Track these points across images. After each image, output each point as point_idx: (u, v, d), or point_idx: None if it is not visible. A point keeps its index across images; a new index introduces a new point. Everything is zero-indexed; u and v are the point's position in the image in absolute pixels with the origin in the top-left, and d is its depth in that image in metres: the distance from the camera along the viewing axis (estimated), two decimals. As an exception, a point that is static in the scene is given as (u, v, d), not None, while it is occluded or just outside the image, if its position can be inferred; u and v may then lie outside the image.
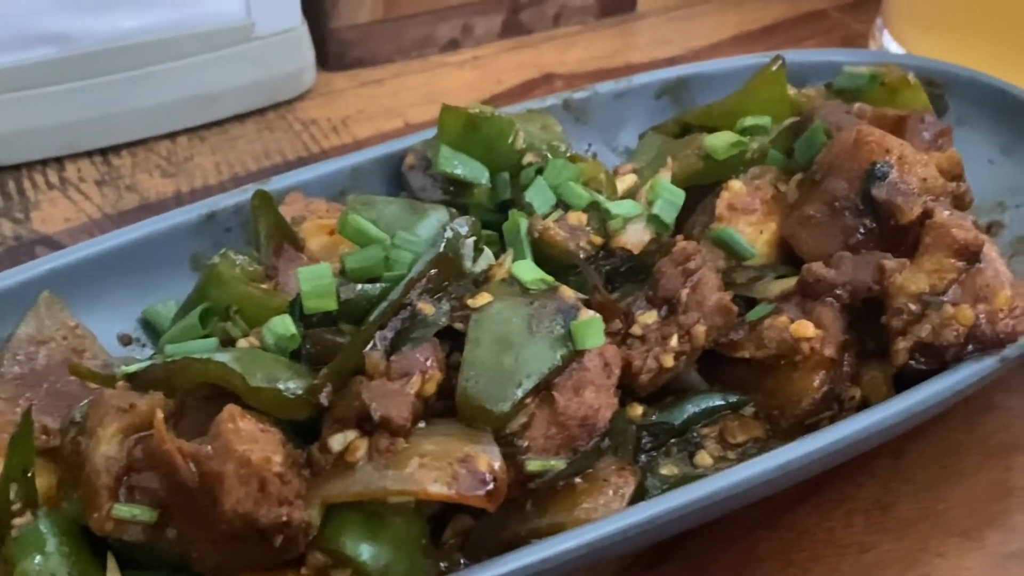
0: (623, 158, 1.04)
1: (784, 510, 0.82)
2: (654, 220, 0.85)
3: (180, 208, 0.92)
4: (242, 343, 0.75)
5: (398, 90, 1.30)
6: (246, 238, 0.90)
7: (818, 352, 0.78)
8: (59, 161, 1.17)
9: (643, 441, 0.78)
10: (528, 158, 0.90)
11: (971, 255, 0.78)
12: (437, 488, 0.66)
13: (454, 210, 0.86)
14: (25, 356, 0.82)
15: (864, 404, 0.79)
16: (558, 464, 0.71)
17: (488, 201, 0.90)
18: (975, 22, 1.20)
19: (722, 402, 0.80)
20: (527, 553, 0.67)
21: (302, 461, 0.68)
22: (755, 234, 0.87)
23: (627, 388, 0.77)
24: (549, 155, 0.90)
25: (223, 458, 0.64)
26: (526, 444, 0.70)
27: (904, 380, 0.78)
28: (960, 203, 0.88)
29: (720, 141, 0.90)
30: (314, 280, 0.74)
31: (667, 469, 0.77)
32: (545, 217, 0.83)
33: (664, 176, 0.88)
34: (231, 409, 0.66)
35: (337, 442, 0.67)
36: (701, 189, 0.90)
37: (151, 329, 0.89)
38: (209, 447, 0.65)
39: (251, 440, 0.65)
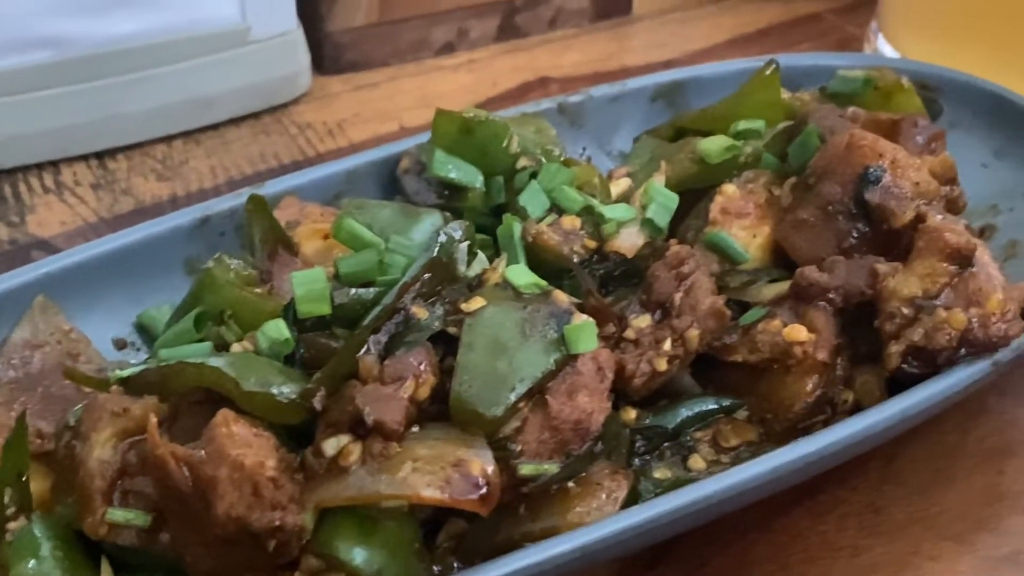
0: (618, 162, 1.04)
1: (777, 513, 0.82)
2: (648, 224, 0.85)
3: (175, 212, 0.93)
4: (236, 347, 0.75)
5: (393, 93, 1.30)
6: (241, 242, 0.91)
7: (811, 356, 0.78)
8: (55, 165, 1.17)
9: (636, 445, 0.78)
10: (522, 162, 0.90)
11: (963, 259, 0.78)
12: (430, 492, 0.66)
13: (448, 214, 0.86)
14: (20, 360, 0.82)
15: (857, 408, 0.79)
16: (551, 468, 0.71)
17: (482, 205, 0.90)
18: (970, 26, 1.20)
19: (715, 406, 0.80)
20: (520, 557, 0.67)
21: (296, 465, 0.68)
22: (748, 238, 0.87)
23: (621, 392, 0.77)
24: (543, 159, 0.90)
25: (216, 462, 0.64)
26: (519, 448, 0.70)
27: (897, 384, 0.79)
28: (953, 207, 0.88)
29: (714, 145, 0.90)
30: (308, 284, 0.74)
31: (660, 473, 0.77)
32: (539, 221, 0.83)
33: (658, 180, 0.89)
34: (224, 413, 0.66)
35: (331, 446, 0.67)
36: (695, 193, 0.90)
37: (146, 333, 0.89)
38: (202, 451, 0.65)
39: (244, 444, 0.65)
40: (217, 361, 0.69)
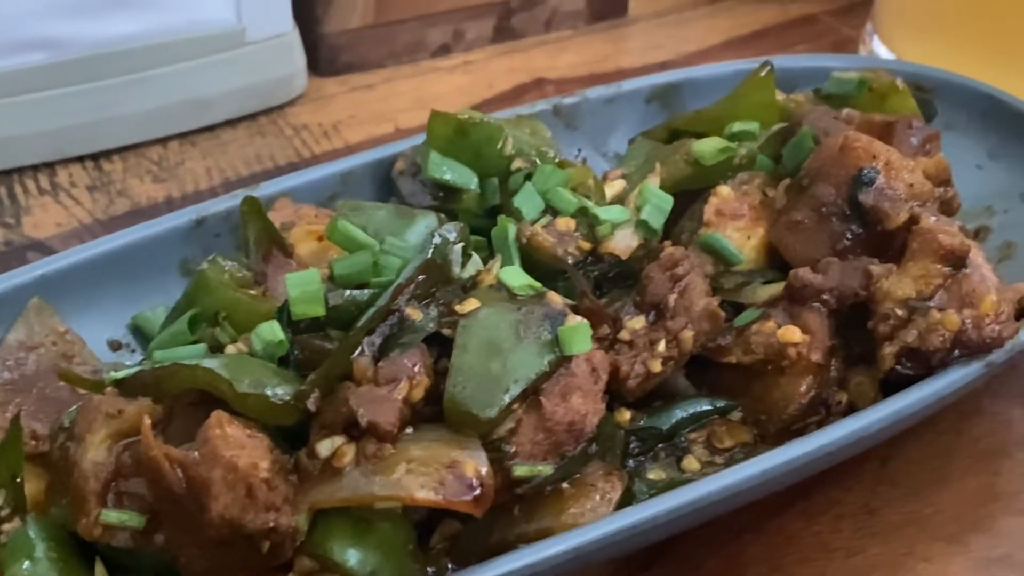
0: (613, 163, 1.04)
1: (772, 515, 0.82)
2: (642, 226, 0.85)
3: (170, 214, 0.93)
4: (230, 349, 0.75)
5: (389, 95, 1.30)
6: (236, 244, 0.91)
7: (805, 357, 0.79)
8: (50, 166, 1.18)
9: (631, 446, 0.78)
10: (517, 164, 0.90)
11: (957, 260, 0.78)
12: (424, 494, 0.66)
13: (443, 216, 0.86)
14: (15, 362, 0.82)
15: (851, 409, 0.80)
16: (545, 469, 0.71)
17: (477, 207, 0.90)
18: (965, 28, 1.20)
19: (710, 407, 0.80)
20: (514, 558, 0.67)
21: (290, 467, 0.68)
22: (743, 239, 0.87)
23: (615, 393, 0.77)
24: (538, 161, 0.90)
25: (210, 464, 0.64)
26: (513, 449, 0.70)
27: (891, 385, 0.79)
28: (947, 208, 0.88)
29: (708, 147, 0.90)
30: (302, 286, 0.74)
31: (655, 474, 0.77)
32: (533, 223, 0.83)
33: (652, 182, 0.89)
34: (218, 415, 0.66)
35: (325, 448, 0.67)
36: (689, 194, 0.90)
37: (141, 335, 0.89)
38: (196, 453, 0.65)
39: (238, 446, 0.65)
40: (211, 363, 0.69)
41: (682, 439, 0.79)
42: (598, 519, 0.70)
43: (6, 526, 0.71)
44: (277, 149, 1.21)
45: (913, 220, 0.81)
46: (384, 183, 0.97)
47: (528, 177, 0.88)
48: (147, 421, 0.66)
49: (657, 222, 0.86)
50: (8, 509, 0.72)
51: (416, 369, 0.70)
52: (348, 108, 1.28)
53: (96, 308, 0.88)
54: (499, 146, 0.90)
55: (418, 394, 0.69)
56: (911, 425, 0.80)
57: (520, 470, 0.70)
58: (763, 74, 0.97)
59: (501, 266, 0.78)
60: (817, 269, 0.81)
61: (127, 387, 0.71)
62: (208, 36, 1.19)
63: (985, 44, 1.18)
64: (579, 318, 0.73)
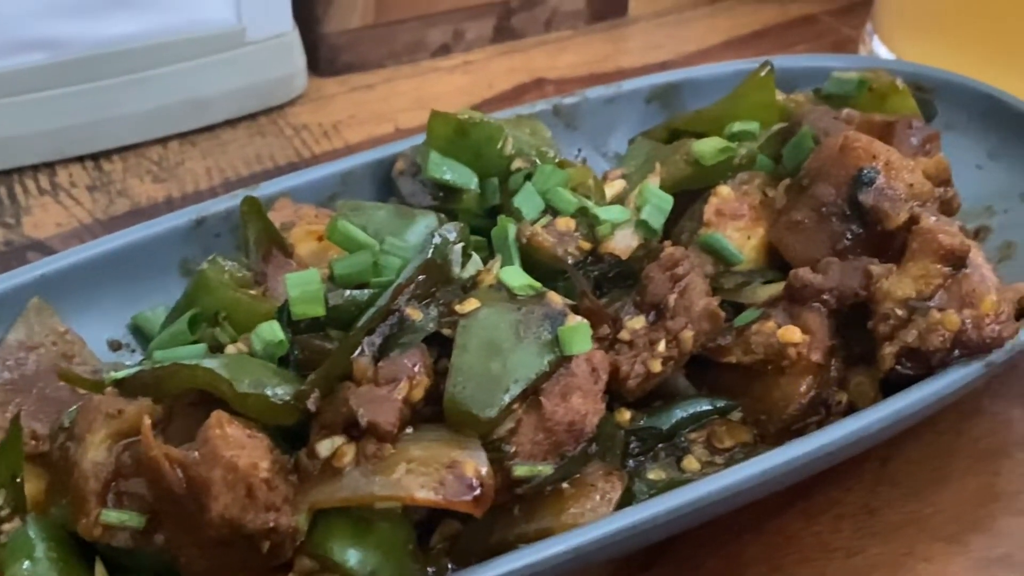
0: (613, 163, 1.04)
1: (772, 515, 0.82)
2: (642, 226, 0.85)
3: (170, 214, 0.93)
4: (230, 349, 0.75)
5: (389, 95, 1.30)
6: (236, 243, 0.91)
7: (805, 357, 0.79)
8: (50, 166, 1.18)
9: (631, 446, 0.78)
10: (517, 164, 0.90)
11: (957, 260, 0.78)
12: (424, 494, 0.66)
13: (443, 216, 0.86)
14: (15, 362, 0.82)
15: (851, 409, 0.80)
16: (545, 469, 0.71)
17: (477, 207, 0.90)
18: (965, 27, 1.20)
19: (710, 407, 0.80)
20: (514, 558, 0.67)
21: (290, 467, 0.68)
22: (743, 239, 0.87)
23: (615, 393, 0.77)
24: (538, 161, 0.90)
25: (210, 464, 0.64)
26: (513, 449, 0.70)
27: (891, 385, 0.79)
28: (947, 208, 0.88)
29: (708, 147, 0.90)
30: (302, 286, 0.74)
31: (655, 474, 0.77)
32: (533, 223, 0.83)
33: (652, 182, 0.89)
34: (218, 415, 0.66)
35: (325, 448, 0.67)
36: (689, 195, 0.90)
37: (141, 335, 0.89)
38: (196, 453, 0.65)
39: (238, 446, 0.65)
40: (211, 363, 0.69)
41: (682, 439, 0.79)
42: (598, 519, 0.70)
43: (6, 526, 0.71)
44: (277, 149, 1.21)
45: (913, 220, 0.81)
46: (384, 183, 0.97)
47: (528, 177, 0.88)
48: (147, 421, 0.66)
49: (657, 222, 0.86)
50: (8, 509, 0.72)
51: (416, 369, 0.70)
52: (348, 108, 1.28)
53: (96, 308, 0.88)
54: (499, 146, 0.90)
55: (418, 394, 0.70)
56: (911, 425, 0.80)
57: (520, 470, 0.70)
58: (763, 74, 0.97)
59: (501, 266, 0.78)
60: (817, 269, 0.81)
61: (127, 387, 0.71)
62: (208, 36, 1.19)
63: (985, 44, 1.18)
64: (579, 318, 0.73)
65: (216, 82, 1.21)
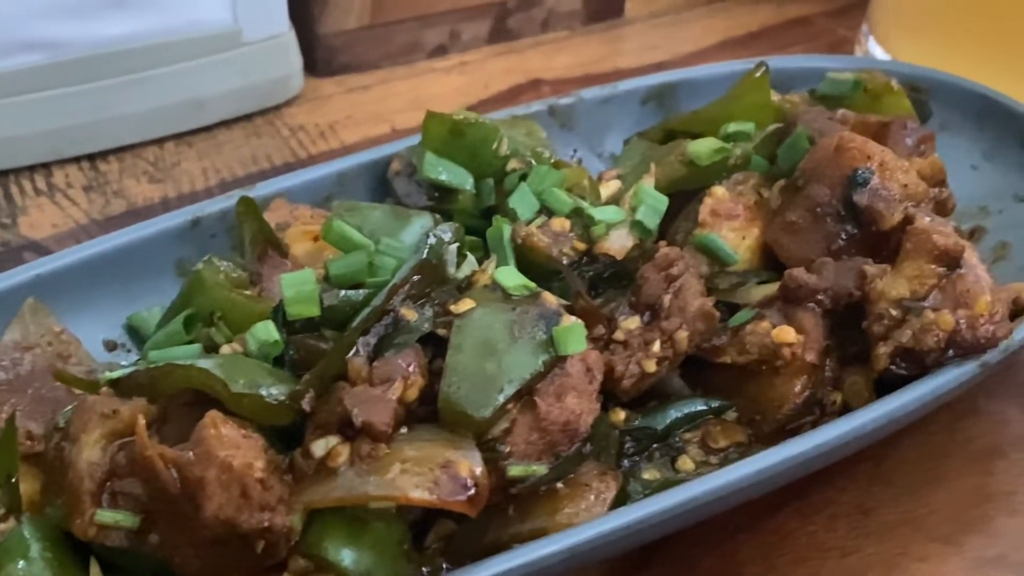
0: (608, 164, 1.05)
1: (766, 514, 0.82)
2: (637, 226, 0.85)
3: (166, 214, 0.93)
4: (226, 349, 0.75)
5: (385, 96, 1.30)
6: (231, 244, 0.91)
7: (799, 357, 0.79)
8: (47, 167, 1.18)
9: (626, 446, 0.78)
10: (512, 164, 0.90)
11: (951, 261, 0.79)
12: (418, 493, 0.66)
13: (439, 216, 0.86)
14: (10, 362, 0.82)
15: (845, 409, 0.80)
16: (540, 469, 0.71)
17: (472, 207, 0.90)
18: (960, 28, 1.20)
19: (704, 407, 0.80)
20: (509, 558, 0.67)
21: (284, 467, 0.68)
22: (738, 240, 0.87)
23: (610, 393, 0.77)
24: (533, 161, 0.90)
25: (205, 464, 0.64)
26: (508, 449, 0.70)
27: (885, 385, 0.79)
28: (942, 209, 0.88)
29: (703, 147, 0.90)
30: (297, 286, 0.74)
31: (649, 474, 0.77)
32: (528, 223, 0.83)
33: (647, 182, 0.89)
34: (213, 415, 0.66)
35: (319, 447, 0.67)
36: (684, 195, 0.90)
37: (136, 335, 0.89)
38: (191, 453, 0.65)
39: (233, 446, 0.65)
40: (206, 363, 0.69)
41: (677, 439, 0.79)
42: (592, 519, 0.70)
43: (1, 526, 0.71)
44: (273, 149, 1.21)
45: (907, 220, 0.81)
46: (380, 183, 0.97)
47: (523, 177, 0.88)
48: (141, 421, 0.66)
49: (652, 222, 0.86)
50: (3, 509, 0.72)
51: (411, 369, 0.70)
52: (344, 109, 1.28)
53: (92, 308, 0.88)
54: (494, 147, 0.90)
55: (413, 394, 0.70)
56: (905, 425, 0.80)
57: (515, 470, 0.70)
58: (758, 75, 0.97)
59: (496, 266, 0.78)
60: (812, 269, 0.81)
61: (122, 387, 0.71)
62: (204, 37, 1.19)
63: (981, 45, 1.18)
64: (574, 318, 0.74)
65: (212, 83, 1.21)
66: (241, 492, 0.64)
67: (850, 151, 0.84)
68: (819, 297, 0.80)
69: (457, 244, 0.78)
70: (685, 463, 0.78)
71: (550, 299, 0.74)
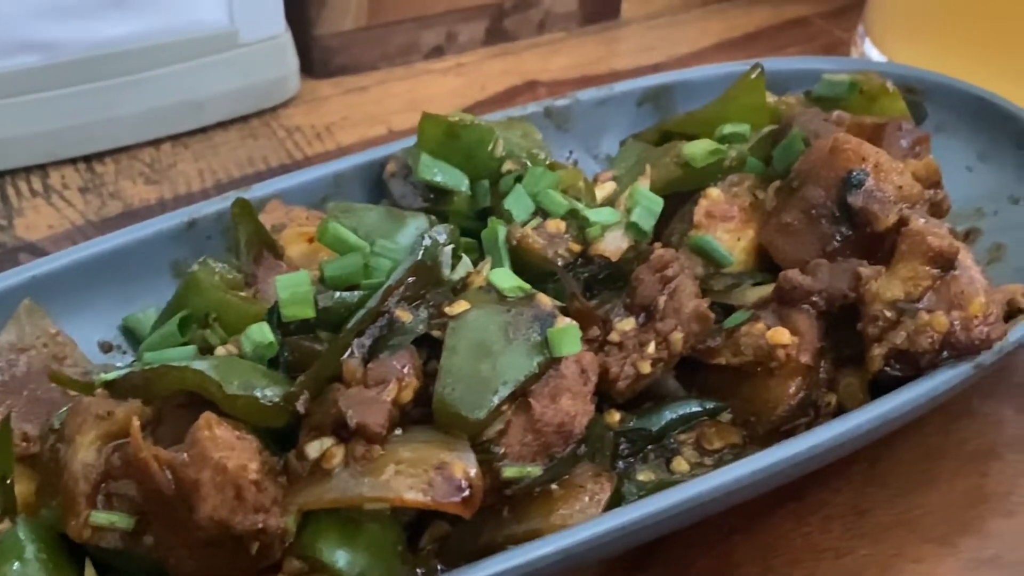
0: (604, 165, 1.05)
1: (761, 515, 0.82)
2: (632, 227, 0.85)
3: (162, 216, 0.93)
4: (220, 351, 0.75)
5: (382, 97, 1.30)
6: (227, 245, 0.91)
7: (794, 359, 0.79)
8: (43, 168, 1.18)
9: (620, 447, 0.78)
10: (508, 166, 0.90)
11: (946, 262, 0.79)
12: (413, 495, 0.66)
13: (434, 217, 0.86)
14: (6, 363, 0.82)
15: (840, 410, 0.80)
16: (534, 471, 0.71)
17: (468, 209, 0.90)
18: (956, 30, 1.20)
19: (699, 408, 0.80)
20: (503, 559, 0.67)
21: (279, 468, 0.68)
22: (733, 241, 0.87)
23: (605, 394, 0.77)
24: (528, 163, 0.90)
25: (199, 465, 0.64)
26: (502, 451, 0.70)
27: (880, 386, 0.79)
28: (937, 210, 0.89)
29: (698, 149, 0.91)
30: (292, 288, 0.74)
31: (644, 475, 0.77)
32: (524, 225, 0.83)
33: (643, 184, 0.89)
34: (207, 417, 0.66)
35: (314, 449, 0.67)
36: (680, 197, 0.90)
37: (132, 336, 0.89)
38: (185, 454, 0.65)
39: (227, 447, 0.65)
40: (201, 364, 0.69)
41: (671, 440, 0.79)
42: (587, 520, 0.70)
43: (-4, 527, 0.71)
44: (269, 151, 1.21)
45: (902, 222, 0.81)
46: (376, 185, 0.97)
47: (519, 179, 0.88)
48: (136, 423, 0.66)
49: (647, 224, 0.86)
50: (-2, 510, 0.72)
51: (405, 371, 0.70)
52: (341, 110, 1.28)
53: (88, 310, 0.88)
54: (490, 148, 0.90)
55: (407, 396, 0.70)
56: (900, 426, 0.80)
57: (509, 471, 0.70)
58: (754, 76, 0.97)
59: (491, 268, 0.78)
60: (806, 271, 0.81)
61: (117, 389, 0.71)
62: (201, 38, 1.19)
63: (976, 46, 1.18)
64: (569, 320, 0.74)
65: (209, 84, 1.21)
66: (235, 494, 0.64)
67: (845, 153, 0.84)
68: (814, 299, 0.80)
69: (452, 246, 0.78)
70: (680, 464, 0.78)
71: (545, 301, 0.74)
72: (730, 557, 0.80)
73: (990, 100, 1.01)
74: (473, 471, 0.68)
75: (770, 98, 0.99)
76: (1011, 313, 0.82)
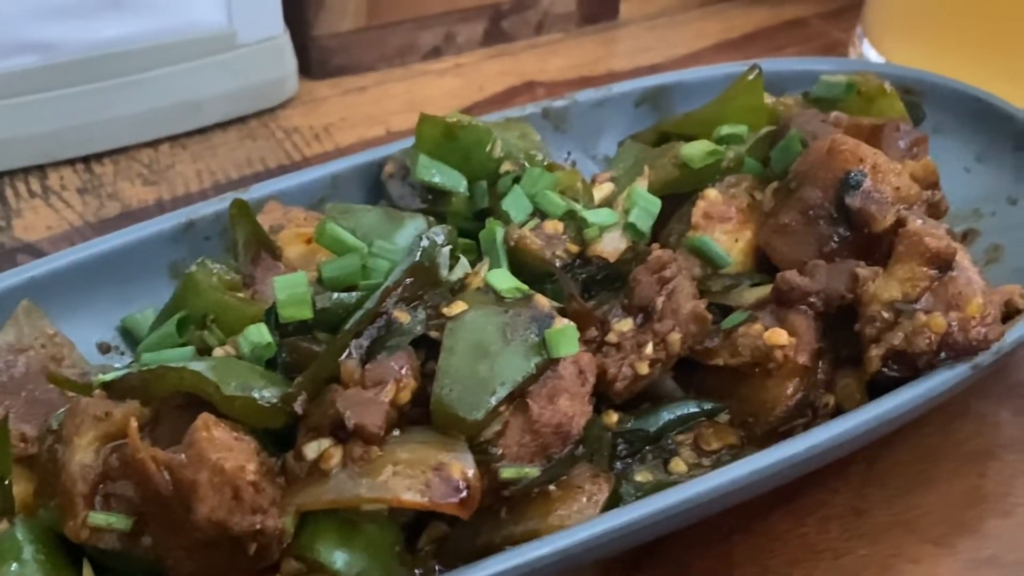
0: (602, 166, 1.05)
1: (759, 516, 0.82)
2: (630, 228, 0.85)
3: (159, 216, 0.93)
4: (218, 351, 0.75)
5: (380, 98, 1.30)
6: (225, 246, 0.91)
7: (792, 360, 0.79)
8: (41, 169, 1.18)
9: (618, 448, 0.78)
10: (505, 167, 0.90)
11: (943, 263, 0.79)
12: (410, 496, 0.66)
13: (432, 218, 0.86)
14: (4, 364, 0.82)
15: (838, 411, 0.80)
16: (532, 471, 0.71)
17: (466, 209, 0.90)
18: (954, 31, 1.20)
19: (697, 409, 0.80)
20: (501, 560, 0.67)
21: (276, 469, 0.68)
22: (730, 242, 0.87)
23: (602, 395, 0.77)
24: (526, 164, 0.90)
25: (197, 466, 0.64)
26: (500, 452, 0.70)
27: (877, 387, 0.79)
28: (935, 211, 0.89)
29: (696, 150, 0.91)
30: (290, 289, 0.74)
31: (642, 476, 0.77)
32: (522, 226, 0.83)
33: (640, 185, 0.89)
34: (205, 418, 0.66)
35: (311, 450, 0.67)
36: (678, 198, 0.90)
37: (130, 337, 0.89)
38: (183, 455, 0.65)
39: (225, 448, 0.65)
40: (198, 365, 0.70)
41: (669, 441, 0.79)
42: (585, 521, 0.70)
43: (-6, 528, 0.71)
44: (268, 152, 1.21)
45: (900, 223, 0.81)
46: (374, 186, 0.97)
47: (517, 180, 0.89)
48: (134, 423, 0.66)
49: (645, 225, 0.86)
50: (-4, 511, 0.72)
51: (403, 371, 0.70)
52: (339, 111, 1.28)
53: (86, 311, 0.88)
54: (488, 149, 0.90)
55: (405, 396, 0.70)
56: (898, 427, 0.80)
57: (507, 472, 0.70)
58: (751, 77, 0.97)
59: (489, 269, 0.78)
60: (804, 272, 0.81)
61: (115, 390, 0.71)
62: (199, 39, 1.19)
63: (974, 47, 1.18)
64: (566, 320, 0.74)
65: (207, 85, 1.22)
66: (233, 494, 0.64)
67: (843, 154, 0.84)
68: (811, 299, 0.80)
69: (450, 246, 0.78)
70: (678, 465, 0.78)
71: (543, 301, 0.74)
72: (728, 558, 0.80)
73: (988, 101, 1.01)
74: (471, 472, 0.68)
75: (768, 99, 0.99)
76: (1009, 314, 0.82)
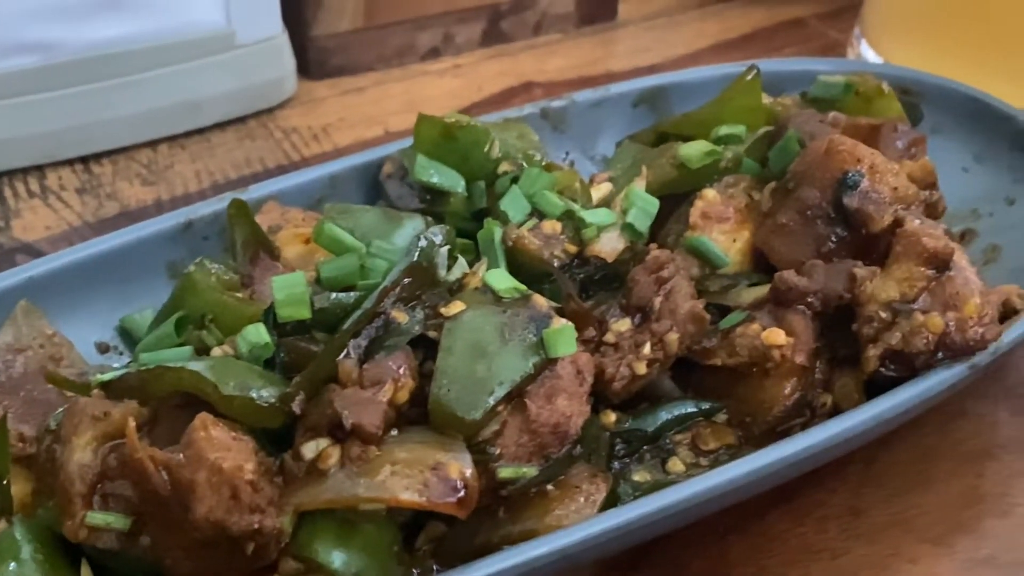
0: (600, 166, 1.05)
1: (757, 516, 0.82)
2: (628, 228, 0.85)
3: (158, 217, 0.93)
4: (216, 351, 0.75)
5: (379, 98, 1.30)
6: (223, 246, 0.91)
7: (789, 359, 0.79)
8: (40, 169, 1.18)
9: (616, 448, 0.78)
10: (504, 167, 0.90)
11: (941, 263, 0.79)
12: (408, 495, 0.66)
13: (430, 219, 0.86)
14: (2, 364, 0.82)
15: (836, 411, 0.80)
16: (530, 471, 0.71)
17: (464, 210, 0.90)
18: (952, 31, 1.21)
19: (695, 409, 0.80)
20: (499, 559, 0.67)
21: (275, 469, 0.68)
22: (728, 242, 0.87)
23: (600, 395, 0.77)
24: (524, 164, 0.90)
25: (195, 466, 0.64)
26: (498, 451, 0.70)
27: (875, 387, 0.79)
28: (933, 211, 0.89)
29: (694, 150, 0.91)
30: (288, 289, 0.74)
31: (640, 476, 0.77)
32: (520, 226, 0.83)
33: (639, 185, 0.89)
34: (203, 417, 0.66)
35: (309, 450, 0.67)
36: (675, 198, 0.90)
37: (128, 337, 0.89)
38: (181, 455, 0.65)
39: (223, 448, 0.65)
40: (197, 365, 0.70)
41: (667, 441, 0.79)
42: (582, 521, 0.70)
43: (-7, 528, 0.71)
44: (266, 152, 1.21)
45: (897, 223, 0.81)
46: (372, 186, 0.97)
47: (515, 180, 0.89)
48: (132, 423, 0.66)
49: (643, 225, 0.86)
50: (-6, 511, 0.72)
51: (401, 371, 0.70)
52: (338, 111, 1.28)
53: (84, 310, 0.88)
54: (486, 149, 0.90)
55: (403, 396, 0.70)
56: (895, 427, 0.80)
57: (505, 472, 0.70)
58: (749, 78, 0.97)
59: (487, 269, 0.78)
60: (802, 272, 0.81)
61: (113, 389, 0.71)
62: (198, 39, 1.19)
63: (972, 48, 1.18)
64: (564, 320, 0.74)
65: (206, 85, 1.22)
66: (231, 494, 0.64)
67: (840, 154, 0.84)
68: (809, 299, 0.80)
69: (448, 247, 0.78)
70: (675, 465, 0.78)
71: (540, 301, 0.75)
72: (725, 558, 0.80)
73: (986, 101, 1.01)
74: (469, 472, 0.68)
75: (766, 99, 0.99)
76: (1006, 314, 0.82)
